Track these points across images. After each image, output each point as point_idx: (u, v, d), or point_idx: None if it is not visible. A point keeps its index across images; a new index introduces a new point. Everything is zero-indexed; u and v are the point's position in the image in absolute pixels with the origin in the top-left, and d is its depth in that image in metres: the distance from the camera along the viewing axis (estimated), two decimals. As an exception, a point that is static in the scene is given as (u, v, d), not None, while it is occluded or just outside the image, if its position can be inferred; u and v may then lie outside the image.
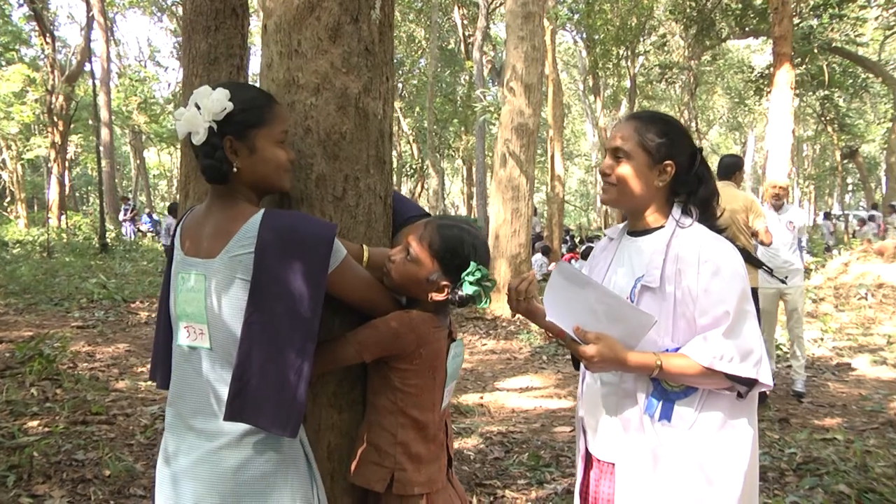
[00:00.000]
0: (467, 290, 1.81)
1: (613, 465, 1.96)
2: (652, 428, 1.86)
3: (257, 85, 1.91)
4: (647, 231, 1.99)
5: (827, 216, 25.80)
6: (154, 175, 44.09)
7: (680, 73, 25.69)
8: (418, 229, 1.85)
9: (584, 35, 23.45)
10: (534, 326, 10.20)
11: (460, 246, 1.83)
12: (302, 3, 1.84)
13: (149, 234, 25.96)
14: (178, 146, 29.87)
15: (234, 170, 1.69)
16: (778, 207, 6.69)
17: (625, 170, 1.94)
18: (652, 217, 1.99)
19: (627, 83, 26.60)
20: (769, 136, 12.53)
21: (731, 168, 6.58)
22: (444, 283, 1.83)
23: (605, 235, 2.23)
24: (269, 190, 1.79)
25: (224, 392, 1.65)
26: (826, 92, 22.75)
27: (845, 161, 27.16)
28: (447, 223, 1.86)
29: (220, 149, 1.67)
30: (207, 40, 2.06)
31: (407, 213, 2.08)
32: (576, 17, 21.26)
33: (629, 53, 24.69)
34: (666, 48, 25.55)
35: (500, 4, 24.52)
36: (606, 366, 1.83)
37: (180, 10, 27.41)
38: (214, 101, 1.65)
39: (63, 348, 6.97)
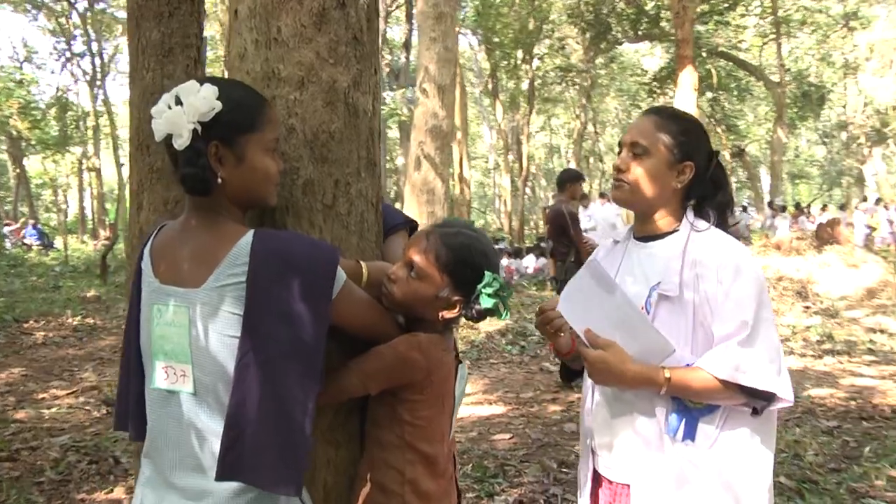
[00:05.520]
0: (486, 303, 1.61)
1: (628, 486, 1.82)
2: (673, 448, 1.72)
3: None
4: (659, 236, 1.85)
5: (744, 209, 26.68)
6: (36, 185, 41.38)
7: (577, 76, 26.30)
8: (420, 241, 1.65)
9: (482, 38, 23.64)
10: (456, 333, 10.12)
11: (470, 255, 1.63)
12: (281, -15, 1.61)
13: (35, 247, 24.31)
14: (64, 153, 28.23)
15: (219, 180, 1.45)
16: None
17: (643, 168, 1.80)
18: (664, 221, 1.85)
19: (525, 85, 27.07)
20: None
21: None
22: (457, 298, 1.64)
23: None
24: (254, 204, 1.55)
25: (211, 443, 1.41)
26: (714, 94, 23.78)
27: (734, 160, 28.52)
28: (451, 231, 1.67)
29: (204, 155, 1.42)
30: (160, 28, 1.80)
31: (392, 220, 1.88)
32: (473, 19, 21.41)
33: (527, 56, 25.09)
34: (564, 51, 26.08)
35: (397, 7, 24.35)
36: (609, 377, 1.70)
37: (58, 6, 25.84)
38: (202, 98, 1.39)
39: (-53, 377, 6.33)
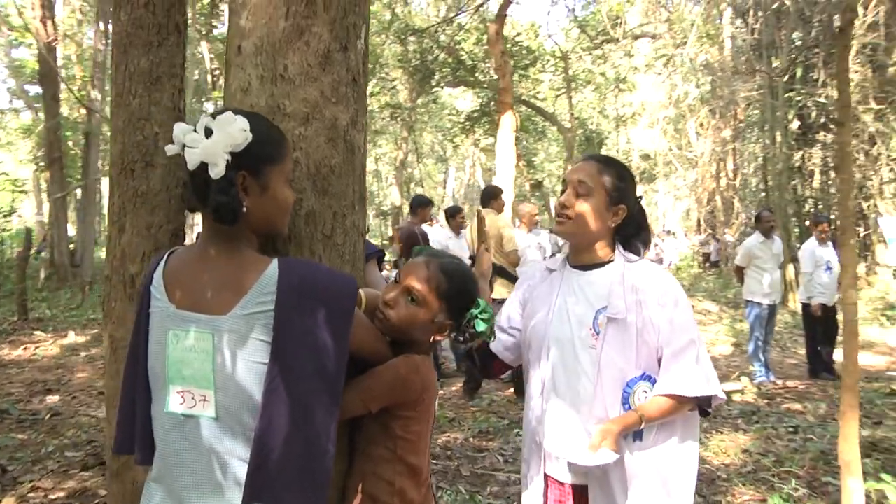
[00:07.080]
0: (480, 327, 1.59)
1: (575, 486, 1.84)
2: (625, 449, 1.78)
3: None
4: (596, 265, 1.91)
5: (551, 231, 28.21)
6: None
7: (402, 112, 26.67)
8: (420, 270, 1.59)
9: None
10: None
11: (465, 284, 1.61)
12: (289, 26, 1.50)
13: None
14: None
15: (244, 209, 1.32)
16: (531, 229, 7.17)
17: (585, 206, 1.85)
18: (600, 252, 1.91)
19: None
20: (497, 168, 13.52)
21: (492, 196, 7.02)
22: (448, 322, 1.60)
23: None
24: (271, 233, 1.42)
25: (233, 467, 1.28)
26: (517, 135, 25.06)
27: (533, 191, 30.13)
28: (447, 261, 1.63)
29: (234, 185, 1.29)
30: (149, 57, 1.59)
31: (365, 250, 1.80)
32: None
33: (360, 93, 25.25)
34: (394, 90, 26.39)
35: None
36: (614, 440, 1.71)
37: None
38: (238, 129, 1.26)
39: None
